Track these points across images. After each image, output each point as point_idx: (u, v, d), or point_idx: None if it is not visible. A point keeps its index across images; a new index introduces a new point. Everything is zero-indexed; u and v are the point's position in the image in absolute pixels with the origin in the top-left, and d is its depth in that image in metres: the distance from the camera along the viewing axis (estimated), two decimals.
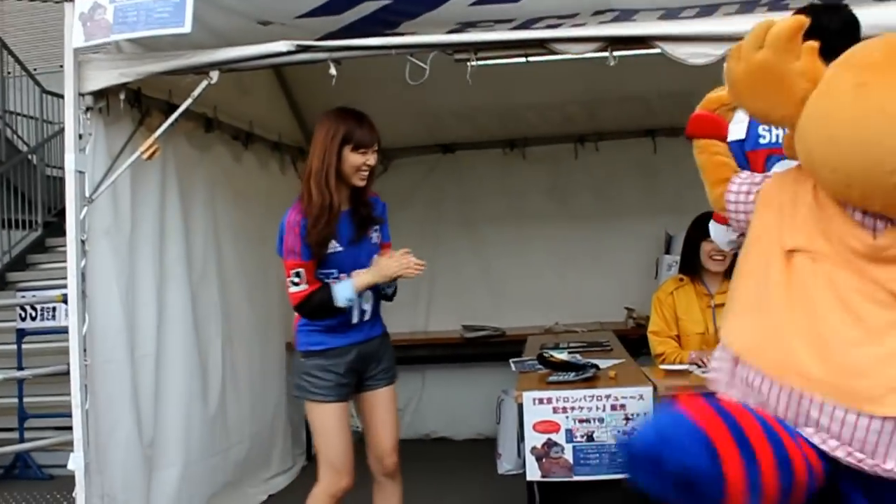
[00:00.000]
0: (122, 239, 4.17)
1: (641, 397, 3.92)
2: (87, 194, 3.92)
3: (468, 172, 7.03)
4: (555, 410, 3.92)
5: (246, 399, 5.33)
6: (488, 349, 6.50)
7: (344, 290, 3.44)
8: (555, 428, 3.92)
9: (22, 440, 6.41)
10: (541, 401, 3.93)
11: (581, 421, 3.92)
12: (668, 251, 6.12)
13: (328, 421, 3.55)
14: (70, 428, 3.96)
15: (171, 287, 4.55)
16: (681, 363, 4.40)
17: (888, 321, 2.10)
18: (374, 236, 3.62)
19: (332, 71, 3.75)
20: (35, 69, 10.33)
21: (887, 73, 2.05)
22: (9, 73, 10.10)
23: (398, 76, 3.74)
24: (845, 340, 2.10)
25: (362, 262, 3.54)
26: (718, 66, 3.50)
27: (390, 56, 3.75)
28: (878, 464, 2.07)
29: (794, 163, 2.42)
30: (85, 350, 3.88)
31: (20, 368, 6.46)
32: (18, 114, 10.21)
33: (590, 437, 3.91)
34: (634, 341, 5.69)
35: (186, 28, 3.50)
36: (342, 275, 3.50)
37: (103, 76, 3.88)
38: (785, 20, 2.18)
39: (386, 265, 3.50)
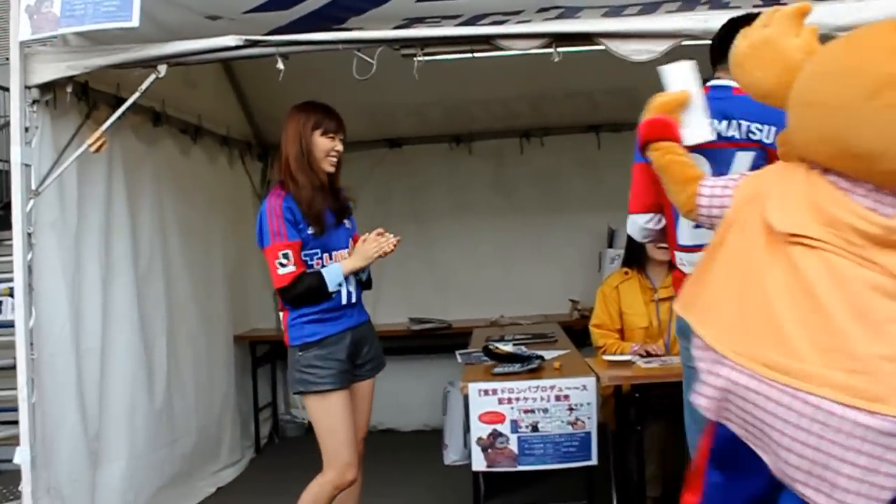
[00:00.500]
0: (69, 232, 4.14)
1: (585, 388, 3.99)
2: (33, 187, 3.89)
3: (415, 167, 7.06)
4: (500, 401, 3.98)
5: (192, 392, 5.32)
6: (435, 341, 6.59)
7: (334, 274, 3.50)
8: (500, 419, 3.98)
9: None
10: (486, 392, 3.99)
11: (526, 411, 3.98)
12: (610, 245, 6.22)
13: (335, 410, 3.53)
14: (16, 422, 3.91)
15: (117, 281, 4.53)
16: (622, 354, 4.48)
17: (889, 314, 2.07)
18: (347, 222, 3.73)
19: (280, 66, 3.76)
20: None
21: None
22: None
23: (346, 71, 3.76)
24: (848, 335, 2.06)
25: (342, 244, 3.65)
26: (661, 62, 3.59)
27: (338, 51, 3.76)
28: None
29: None
30: (32, 344, 3.85)
31: None
32: None
33: (534, 428, 3.98)
34: (579, 333, 5.77)
35: (134, 22, 3.49)
36: (325, 254, 3.57)
37: (50, 69, 3.83)
38: (792, 5, 2.39)
39: (366, 248, 3.56)
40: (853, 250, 2.14)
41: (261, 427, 6.60)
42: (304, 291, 3.50)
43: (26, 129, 3.86)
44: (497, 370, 4.19)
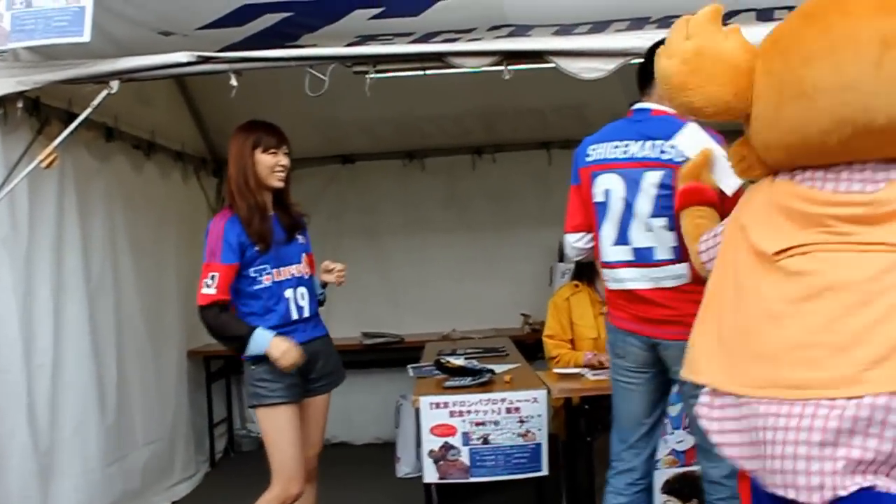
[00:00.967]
0: (20, 248, 4.11)
1: (536, 400, 4.05)
2: None
3: (368, 183, 7.09)
4: (451, 414, 4.02)
5: (144, 407, 5.29)
6: (387, 355, 6.61)
7: (259, 343, 3.51)
8: (451, 431, 4.02)
9: None
10: (437, 405, 4.03)
11: (477, 424, 4.02)
12: (561, 259, 6.27)
13: (282, 424, 3.56)
14: None
15: (69, 297, 4.50)
16: (575, 366, 4.54)
17: None
18: (300, 238, 3.77)
19: (233, 82, 3.78)
20: None
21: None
22: None
23: (299, 88, 3.79)
24: (866, 324, 1.95)
25: (294, 260, 3.69)
26: (610, 80, 3.68)
27: (291, 68, 3.80)
28: None
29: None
30: None
31: None
32: None
33: (486, 440, 4.02)
34: (530, 346, 5.86)
35: (86, 37, 3.48)
36: (275, 270, 3.60)
37: (0, 84, 3.83)
38: (703, 9, 2.23)
39: (285, 360, 3.52)
40: (847, 240, 2.04)
41: (216, 442, 6.58)
42: (220, 325, 3.55)
43: None
44: (448, 384, 4.23)
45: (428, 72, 3.95)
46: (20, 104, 3.93)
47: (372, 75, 3.82)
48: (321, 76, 3.77)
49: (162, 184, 5.91)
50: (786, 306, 2.05)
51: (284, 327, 3.62)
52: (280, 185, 3.65)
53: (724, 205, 2.82)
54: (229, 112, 5.03)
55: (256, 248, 3.55)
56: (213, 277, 3.51)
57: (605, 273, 3.39)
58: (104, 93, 3.79)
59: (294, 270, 3.68)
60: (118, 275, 5.02)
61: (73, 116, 4.02)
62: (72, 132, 3.94)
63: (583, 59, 3.71)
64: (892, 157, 2.03)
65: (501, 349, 5.42)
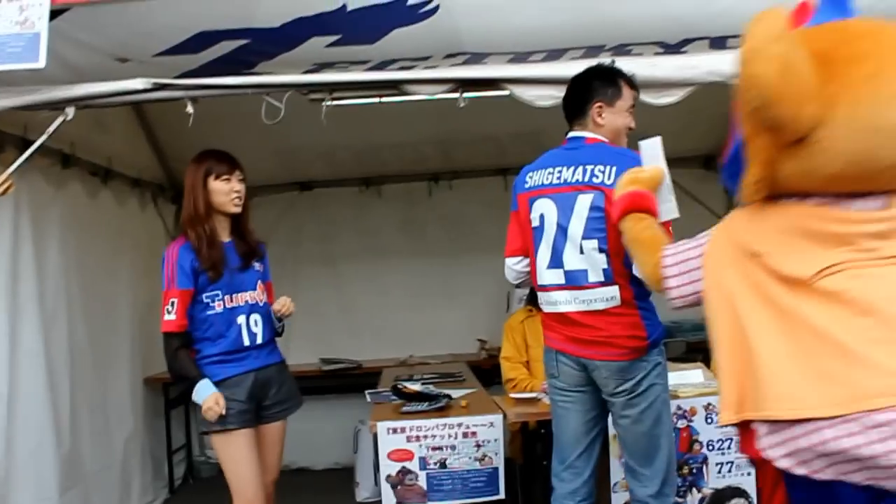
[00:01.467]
0: None
1: (492, 425, 4.07)
2: None
3: (326, 210, 7.12)
4: (408, 439, 4.03)
5: (100, 435, 5.24)
6: (345, 381, 6.62)
7: (201, 394, 3.57)
8: (408, 456, 4.02)
9: None
10: (395, 430, 4.04)
11: (434, 449, 4.03)
12: (518, 285, 6.32)
13: (235, 450, 3.61)
14: None
15: (24, 324, 4.45)
16: (531, 391, 4.57)
17: None
18: (257, 265, 3.82)
19: (189, 109, 3.78)
20: None
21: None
22: None
23: (257, 115, 3.81)
24: None
25: (248, 287, 3.74)
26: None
27: (247, 95, 3.81)
28: None
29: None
30: None
31: None
32: None
33: (443, 465, 4.03)
34: (487, 371, 5.89)
35: (40, 63, 3.46)
36: (227, 296, 3.65)
37: None
38: (770, 15, 2.04)
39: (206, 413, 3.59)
40: (874, 255, 2.11)
41: (175, 468, 6.52)
42: (176, 361, 3.62)
43: None
44: (405, 409, 4.24)
45: (384, 99, 3.97)
46: None
47: (328, 103, 3.84)
48: (277, 104, 3.78)
49: (118, 211, 5.87)
50: (837, 326, 2.06)
51: (235, 353, 3.66)
52: (238, 210, 3.70)
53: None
54: (187, 139, 5.02)
55: (208, 275, 3.59)
56: (172, 304, 3.56)
57: (541, 296, 3.48)
58: (60, 119, 3.76)
59: (248, 297, 3.72)
60: (73, 302, 4.97)
61: (29, 143, 3.99)
62: (27, 159, 3.91)
63: (537, 86, 3.75)
64: None
65: (458, 374, 5.45)
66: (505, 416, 4.12)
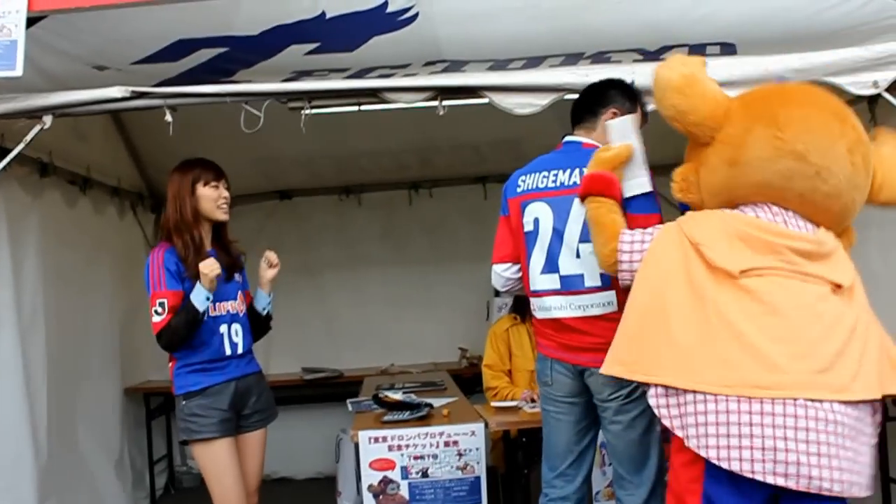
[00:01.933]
0: None
1: (474, 433, 4.06)
2: None
3: (306, 218, 7.10)
4: (390, 448, 4.02)
5: (79, 445, 5.20)
6: (327, 390, 6.61)
7: (198, 294, 3.51)
8: (390, 465, 4.01)
9: None
10: (376, 439, 4.02)
11: (416, 458, 4.02)
12: (497, 293, 6.33)
13: (218, 458, 3.59)
14: None
15: (0, 334, 4.42)
16: (513, 399, 4.56)
17: (833, 314, 2.50)
18: (237, 276, 3.83)
19: (168, 118, 3.75)
20: None
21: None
22: None
23: (236, 123, 3.79)
24: (813, 341, 2.45)
25: (230, 297, 3.73)
26: (545, 115, 3.73)
27: (226, 103, 3.79)
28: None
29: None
30: None
31: None
32: None
33: (424, 474, 4.02)
34: (468, 380, 5.89)
35: (18, 71, 3.42)
36: (210, 305, 3.60)
37: None
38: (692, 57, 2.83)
39: (206, 265, 3.52)
40: (794, 269, 2.52)
41: (156, 478, 6.47)
42: (176, 330, 3.52)
43: None
44: (387, 418, 4.23)
45: (363, 107, 3.95)
46: None
47: (307, 111, 3.82)
48: (256, 112, 3.76)
49: (97, 220, 5.83)
50: (746, 320, 2.46)
51: (217, 362, 3.65)
52: (226, 217, 3.71)
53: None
54: (167, 148, 4.99)
55: (192, 283, 3.56)
56: (161, 304, 3.52)
57: (534, 302, 3.43)
58: (37, 128, 3.72)
59: (229, 307, 3.71)
60: (51, 311, 4.92)
61: (6, 152, 3.94)
62: (4, 168, 3.87)
63: (517, 94, 3.74)
64: None
65: (439, 383, 5.43)
66: (486, 425, 4.11)
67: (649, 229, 2.83)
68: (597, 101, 3.39)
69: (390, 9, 4.10)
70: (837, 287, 2.56)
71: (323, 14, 4.05)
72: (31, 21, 3.38)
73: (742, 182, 2.65)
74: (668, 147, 3.23)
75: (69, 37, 3.87)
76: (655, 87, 2.75)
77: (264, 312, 3.92)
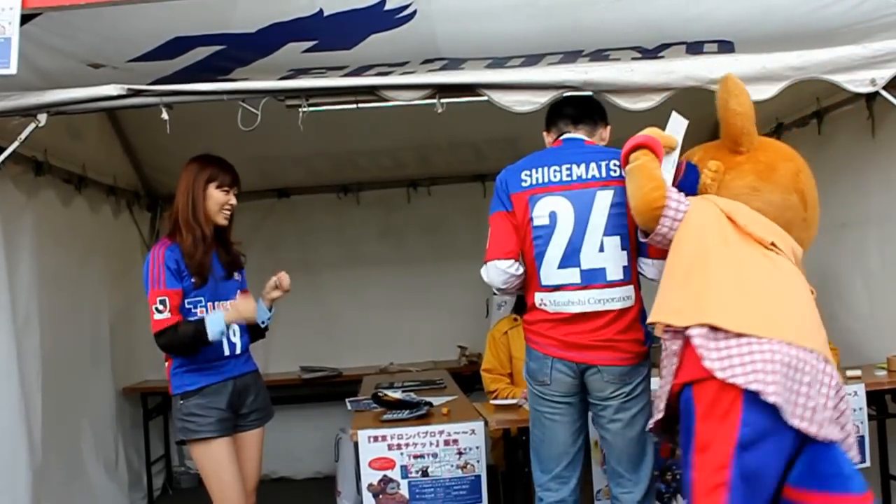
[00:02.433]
0: None
1: (474, 432, 4.04)
2: None
3: (304, 217, 7.09)
4: (390, 447, 4.00)
5: (76, 446, 5.19)
6: (326, 389, 6.62)
7: (215, 322, 3.50)
8: (390, 465, 3.99)
9: None
10: (375, 438, 4.00)
11: (416, 457, 4.00)
12: (499, 291, 6.30)
13: (218, 457, 3.58)
14: None
15: None
16: (513, 398, 4.54)
17: (808, 295, 2.97)
18: (237, 276, 3.81)
19: (164, 116, 3.72)
20: None
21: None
22: None
23: (233, 121, 3.77)
24: (814, 315, 2.92)
25: (230, 296, 3.71)
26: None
27: (223, 102, 3.77)
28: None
29: None
30: None
31: None
32: None
33: (424, 473, 4.00)
34: (467, 378, 5.88)
35: (12, 70, 3.39)
36: (209, 304, 3.61)
37: None
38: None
39: (246, 307, 3.59)
40: (789, 256, 3.00)
41: (154, 479, 6.46)
42: (181, 339, 3.51)
43: None
44: (386, 417, 4.21)
45: (361, 105, 3.92)
46: None
47: (305, 109, 3.80)
48: (253, 110, 3.74)
49: (93, 218, 5.82)
50: (775, 282, 2.90)
51: (215, 362, 3.64)
52: (225, 223, 3.69)
53: None
54: (163, 146, 4.98)
55: (192, 281, 3.55)
56: (163, 302, 3.50)
57: (544, 297, 3.38)
58: (32, 126, 3.68)
59: (228, 306, 3.68)
60: (46, 311, 4.89)
61: (0, 150, 3.93)
62: None
63: (515, 92, 3.71)
64: None
65: (439, 381, 5.42)
66: (486, 423, 4.09)
67: (680, 196, 3.10)
68: (598, 112, 3.51)
69: (388, 6, 4.09)
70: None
71: (320, 12, 4.03)
72: (26, 18, 3.36)
73: (761, 197, 3.12)
74: None
75: (64, 34, 3.85)
76: (734, 86, 3.16)
77: (263, 325, 3.90)
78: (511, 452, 4.26)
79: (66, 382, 5.18)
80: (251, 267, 3.91)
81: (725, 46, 3.99)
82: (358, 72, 4.09)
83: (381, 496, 3.99)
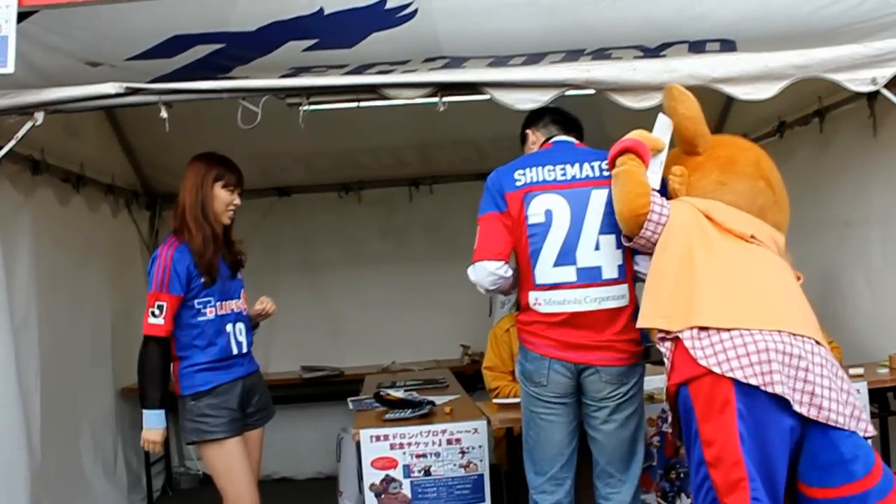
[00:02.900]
0: None
1: (476, 431, 4.03)
2: None
3: (305, 215, 7.07)
4: (392, 447, 3.99)
5: (74, 447, 5.18)
6: (327, 389, 6.59)
7: (156, 422, 3.60)
8: (392, 464, 3.98)
9: None
10: (377, 438, 3.99)
11: (418, 456, 3.99)
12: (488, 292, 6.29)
13: (232, 457, 3.59)
14: None
15: None
16: (515, 396, 4.52)
17: (794, 284, 3.05)
18: (239, 275, 3.82)
19: (164, 114, 3.70)
20: None
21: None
22: None
23: (234, 120, 3.76)
24: (800, 300, 2.98)
25: (235, 295, 3.74)
26: None
27: (223, 100, 3.75)
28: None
29: None
30: None
31: None
32: None
33: (427, 472, 3.99)
34: (470, 377, 5.86)
35: (10, 68, 3.36)
36: (218, 303, 3.63)
37: None
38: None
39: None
40: (770, 246, 3.09)
41: (153, 480, 6.42)
42: (150, 367, 3.56)
43: None
44: (388, 416, 4.20)
45: (362, 104, 3.92)
46: None
47: (305, 107, 3.78)
48: (254, 108, 3.72)
49: (91, 218, 5.81)
50: (759, 272, 2.98)
51: (225, 361, 3.65)
52: (229, 222, 3.71)
53: None
54: (162, 145, 4.96)
55: (202, 281, 3.55)
56: (160, 308, 3.51)
57: (539, 296, 3.39)
58: (28, 125, 3.66)
59: (234, 305, 3.72)
60: (44, 312, 4.87)
61: None
62: None
63: (517, 90, 3.70)
64: None
65: (441, 380, 5.41)
66: (489, 422, 4.08)
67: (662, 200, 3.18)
68: (581, 130, 3.64)
69: (389, 5, 4.07)
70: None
71: (321, 10, 4.01)
72: (22, 16, 3.35)
73: (728, 189, 3.20)
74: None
75: (61, 32, 3.83)
76: (679, 93, 3.25)
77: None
78: (514, 451, 4.24)
79: (65, 383, 5.16)
80: (251, 266, 3.91)
81: (727, 45, 4.00)
82: (359, 70, 4.09)
83: (383, 496, 3.98)
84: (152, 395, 3.56)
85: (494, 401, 4.55)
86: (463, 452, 4.02)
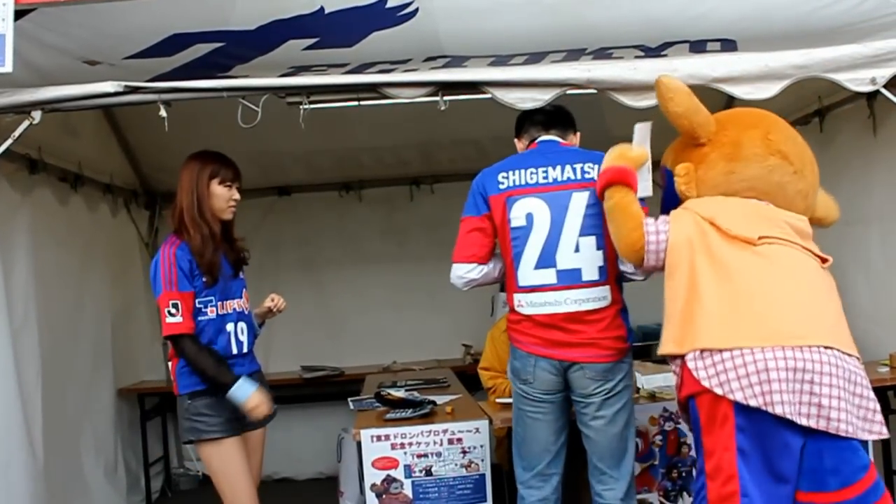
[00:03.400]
0: None
1: (478, 430, 4.04)
2: None
3: (305, 215, 7.07)
4: (393, 447, 3.99)
5: (74, 448, 5.17)
6: (328, 389, 6.60)
7: (242, 391, 3.47)
8: (393, 464, 3.98)
9: None
10: (378, 438, 3.99)
11: (419, 456, 4.00)
12: (502, 289, 6.26)
13: (229, 457, 3.55)
14: None
15: None
16: (510, 395, 4.51)
17: (827, 283, 2.94)
18: (241, 274, 3.80)
19: (163, 113, 3.68)
20: None
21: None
22: None
23: (234, 119, 3.74)
24: (822, 301, 2.89)
25: (238, 294, 3.70)
26: None
27: (223, 99, 3.74)
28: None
29: None
30: None
31: None
32: None
33: (428, 472, 3.99)
34: (472, 377, 5.81)
35: (7, 67, 3.34)
36: (220, 303, 3.59)
37: None
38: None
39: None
40: (792, 239, 2.95)
41: (152, 481, 6.44)
42: (195, 358, 3.49)
43: None
44: (389, 416, 4.20)
45: (363, 103, 3.91)
46: None
47: (306, 106, 3.77)
48: (253, 107, 3.71)
49: (90, 217, 5.80)
50: (768, 280, 2.85)
51: (226, 360, 3.60)
52: (230, 217, 3.68)
53: None
54: (161, 144, 4.93)
55: (203, 280, 3.53)
56: (175, 306, 3.47)
57: (521, 298, 3.46)
58: (26, 123, 3.63)
59: (236, 305, 3.69)
60: (43, 312, 4.85)
61: None
62: None
63: (519, 89, 3.69)
64: None
65: (442, 380, 5.41)
66: (491, 422, 4.08)
67: (662, 217, 3.08)
68: (569, 120, 3.64)
69: (390, 4, 4.07)
70: (823, 261, 3.01)
71: (321, 9, 4.01)
72: (19, 14, 3.33)
73: (738, 177, 3.09)
74: (668, 143, 3.27)
75: (59, 31, 3.81)
76: (667, 89, 3.12)
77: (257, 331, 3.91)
78: None
79: (65, 383, 5.15)
80: (251, 266, 3.90)
81: (728, 45, 4.00)
82: (359, 69, 4.08)
83: (384, 496, 3.98)
84: (221, 374, 3.49)
85: (496, 400, 4.54)
86: (464, 452, 4.02)
